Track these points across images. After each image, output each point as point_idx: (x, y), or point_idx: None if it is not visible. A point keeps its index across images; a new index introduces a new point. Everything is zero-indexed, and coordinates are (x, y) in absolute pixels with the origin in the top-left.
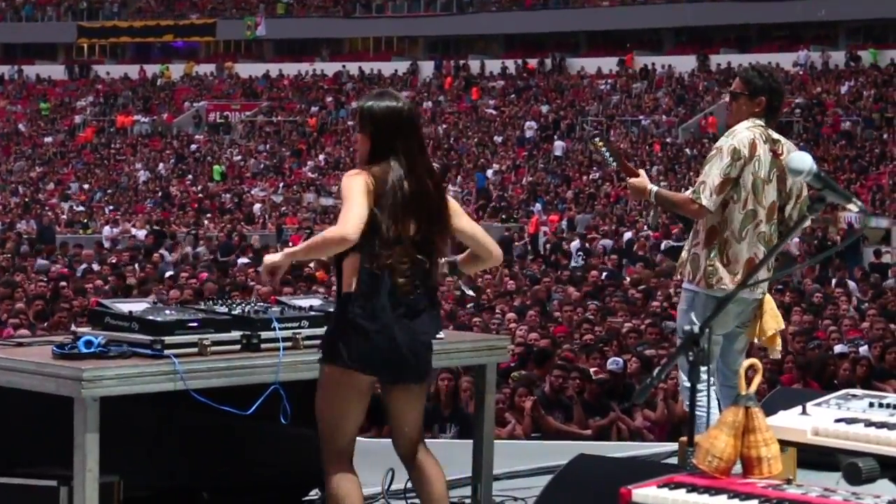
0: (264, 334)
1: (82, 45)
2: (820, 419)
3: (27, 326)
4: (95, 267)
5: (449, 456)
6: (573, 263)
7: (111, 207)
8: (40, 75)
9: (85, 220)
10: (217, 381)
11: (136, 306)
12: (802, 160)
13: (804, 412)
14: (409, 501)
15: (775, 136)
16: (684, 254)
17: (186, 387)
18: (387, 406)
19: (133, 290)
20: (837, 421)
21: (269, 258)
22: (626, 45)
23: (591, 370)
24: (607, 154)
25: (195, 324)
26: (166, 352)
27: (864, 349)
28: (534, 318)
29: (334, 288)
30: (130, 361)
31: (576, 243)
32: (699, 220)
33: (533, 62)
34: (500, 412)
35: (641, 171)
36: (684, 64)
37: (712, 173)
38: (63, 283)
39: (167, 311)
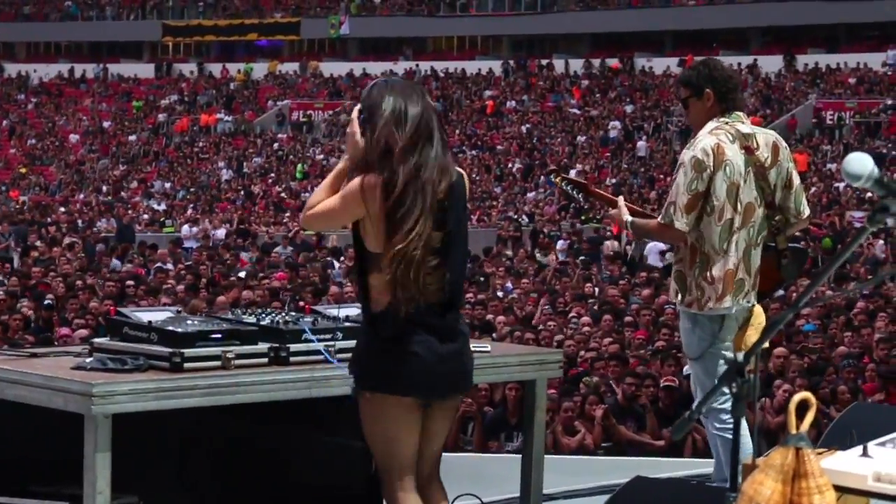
0: (294, 347)
1: (167, 44)
2: (883, 462)
3: (94, 327)
4: (169, 266)
5: (505, 472)
6: (656, 263)
7: (192, 206)
8: (122, 74)
9: (162, 220)
10: (241, 396)
11: (156, 315)
12: (862, 163)
13: (865, 453)
14: None
15: (746, 129)
16: (672, 271)
17: (206, 403)
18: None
19: (201, 291)
20: None
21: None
22: (713, 45)
23: (663, 379)
24: (569, 188)
25: (218, 335)
26: (186, 365)
27: None
28: (608, 322)
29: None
30: (146, 375)
31: (653, 244)
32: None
33: (611, 62)
34: (570, 420)
35: (620, 199)
36: (771, 64)
37: (679, 192)
38: (132, 283)
39: (189, 322)
